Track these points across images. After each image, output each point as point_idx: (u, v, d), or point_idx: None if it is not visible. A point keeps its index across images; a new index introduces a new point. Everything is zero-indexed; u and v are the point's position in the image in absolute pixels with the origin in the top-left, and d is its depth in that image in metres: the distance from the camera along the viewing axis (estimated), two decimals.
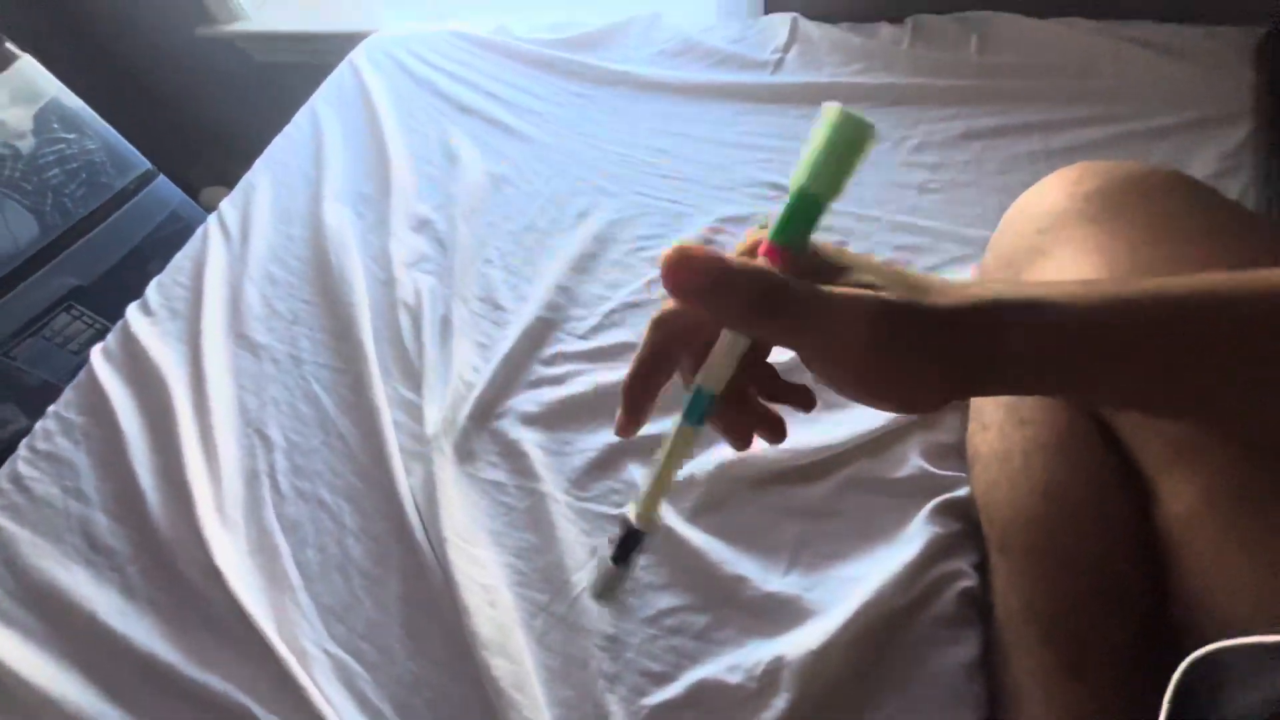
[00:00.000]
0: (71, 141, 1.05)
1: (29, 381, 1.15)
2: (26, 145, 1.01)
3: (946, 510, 0.47)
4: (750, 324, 0.23)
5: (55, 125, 1.04)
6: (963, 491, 0.47)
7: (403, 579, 0.52)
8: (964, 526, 0.46)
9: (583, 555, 0.51)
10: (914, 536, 0.46)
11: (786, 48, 0.84)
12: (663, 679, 0.44)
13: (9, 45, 0.98)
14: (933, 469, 0.49)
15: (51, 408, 0.69)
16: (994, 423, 0.44)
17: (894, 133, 0.72)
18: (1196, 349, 0.23)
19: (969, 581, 0.44)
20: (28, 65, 1.00)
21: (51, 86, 1.03)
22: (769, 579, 0.47)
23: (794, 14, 0.86)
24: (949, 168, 0.68)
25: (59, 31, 1.44)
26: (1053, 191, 0.44)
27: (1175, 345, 0.23)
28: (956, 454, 0.50)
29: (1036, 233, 0.43)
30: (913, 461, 0.50)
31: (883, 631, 0.43)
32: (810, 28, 0.85)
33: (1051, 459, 0.39)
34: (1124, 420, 0.38)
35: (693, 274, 0.22)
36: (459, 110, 0.89)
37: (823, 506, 0.50)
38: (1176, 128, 0.65)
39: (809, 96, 0.78)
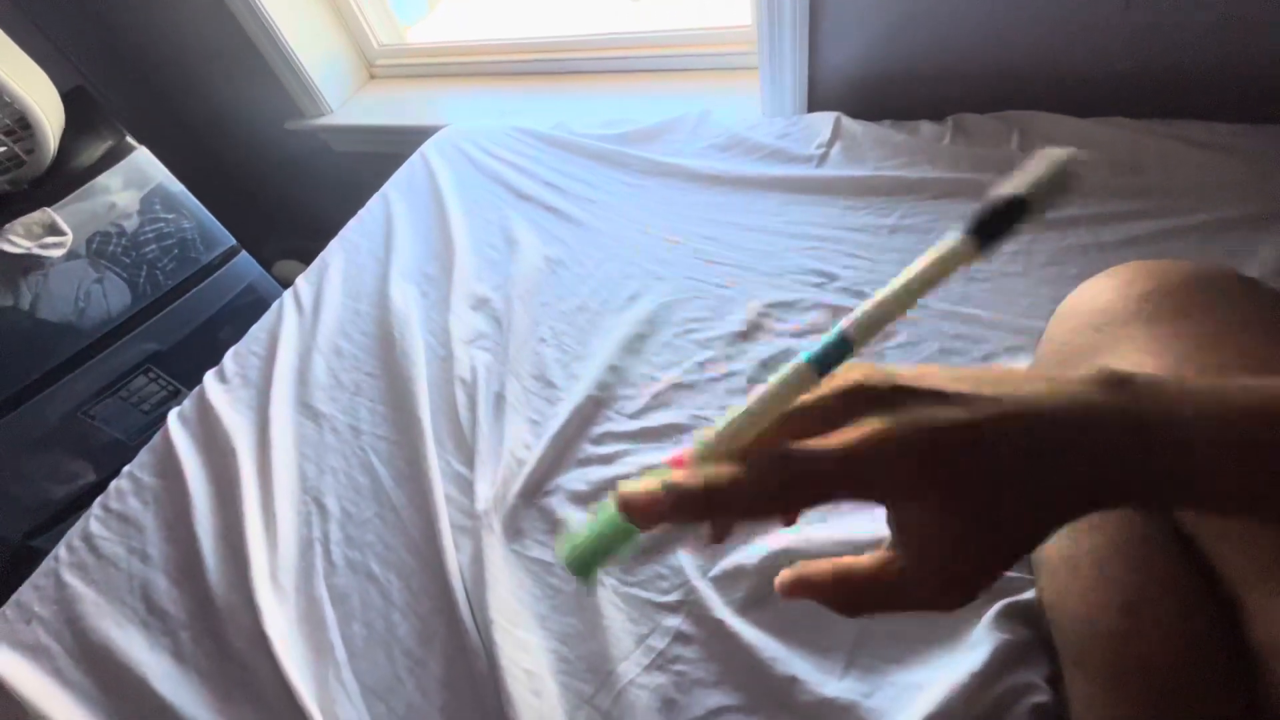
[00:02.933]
0: (170, 221, 1.16)
1: (101, 439, 1.22)
2: (131, 224, 1.12)
3: (1013, 615, 0.45)
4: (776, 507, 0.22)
5: (158, 206, 1.15)
6: (1028, 595, 0.45)
7: (446, 661, 0.51)
8: (1033, 634, 0.44)
9: (629, 644, 0.49)
10: (979, 642, 0.44)
11: (830, 143, 0.88)
12: None
13: (129, 139, 1.11)
14: None
15: (127, 468, 0.73)
16: None
17: (939, 224, 0.74)
18: None
19: (1043, 697, 0.41)
20: (141, 155, 1.12)
21: (159, 173, 1.15)
22: (825, 681, 0.44)
23: (837, 113, 0.91)
24: (997, 259, 0.69)
25: (166, 123, 1.62)
26: (1106, 291, 0.44)
27: None
28: None
29: (1093, 329, 0.42)
30: None
31: None
32: (853, 125, 0.89)
33: (1127, 569, 0.37)
34: (1204, 530, 0.36)
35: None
36: (519, 198, 0.95)
37: None
38: (1234, 222, 0.65)
39: (853, 189, 0.81)
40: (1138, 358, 0.38)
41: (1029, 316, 0.62)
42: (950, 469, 0.21)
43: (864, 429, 0.21)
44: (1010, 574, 0.47)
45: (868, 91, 0.95)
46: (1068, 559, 0.41)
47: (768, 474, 0.21)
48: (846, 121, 0.90)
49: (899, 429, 0.21)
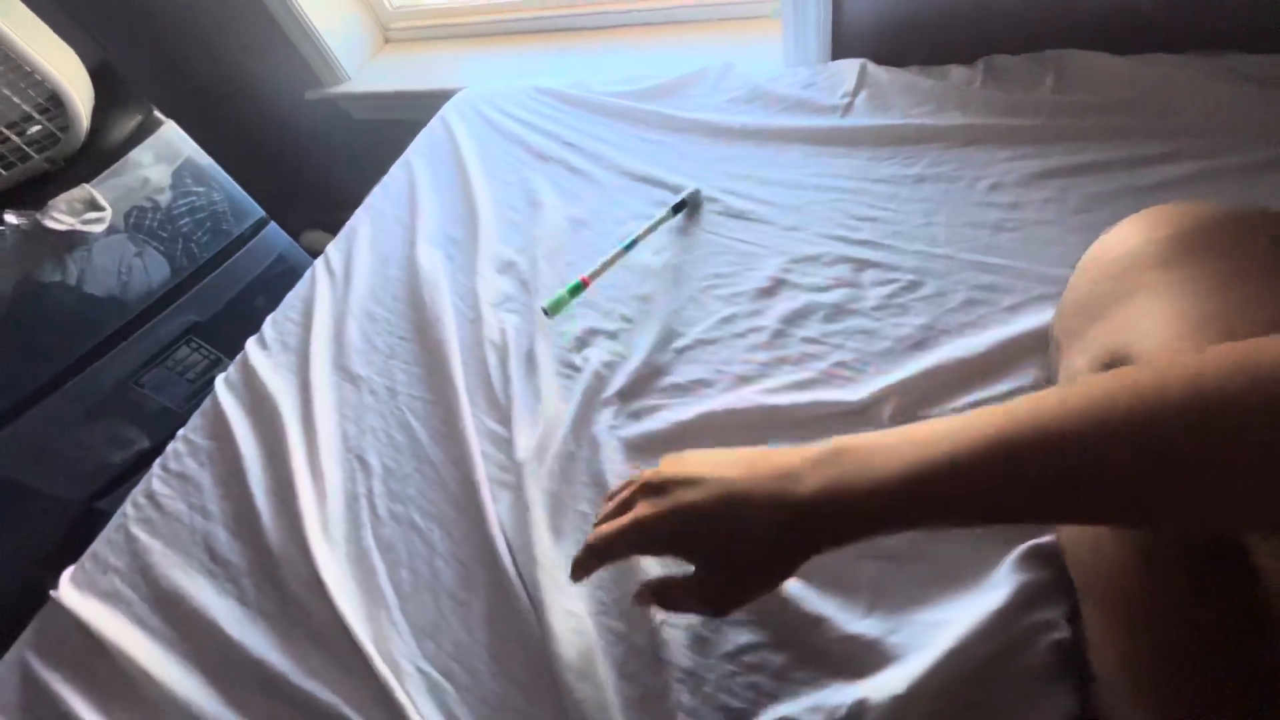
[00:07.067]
0: (201, 194, 1.19)
1: (151, 407, 1.28)
2: (165, 199, 1.15)
3: (1034, 556, 0.46)
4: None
5: (189, 180, 1.18)
6: (1049, 537, 0.46)
7: (488, 603, 0.55)
8: (1053, 574, 0.45)
9: None
10: (1000, 582, 0.45)
11: (855, 92, 0.86)
12: (742, 716, 0.45)
13: (156, 113, 1.13)
14: None
15: (181, 431, 0.77)
16: None
17: (967, 172, 0.72)
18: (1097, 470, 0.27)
19: (1062, 633, 0.43)
20: (170, 129, 1.14)
21: (187, 147, 1.17)
22: (850, 620, 0.47)
23: (862, 59, 0.88)
24: (1027, 206, 0.68)
25: (189, 97, 1.64)
26: (1131, 236, 0.44)
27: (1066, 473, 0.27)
28: None
29: (1112, 278, 0.42)
30: None
31: (971, 680, 0.42)
32: (879, 72, 0.87)
33: None
34: None
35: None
36: (540, 159, 0.95)
37: (901, 549, 0.49)
38: (1276, 162, 0.63)
39: (880, 138, 0.79)
40: (1149, 304, 0.38)
41: (1058, 265, 0.61)
42: (690, 532, 0.36)
43: (637, 511, 0.38)
44: None
45: (895, 35, 0.92)
46: None
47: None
48: (872, 68, 0.87)
49: (655, 509, 0.37)
